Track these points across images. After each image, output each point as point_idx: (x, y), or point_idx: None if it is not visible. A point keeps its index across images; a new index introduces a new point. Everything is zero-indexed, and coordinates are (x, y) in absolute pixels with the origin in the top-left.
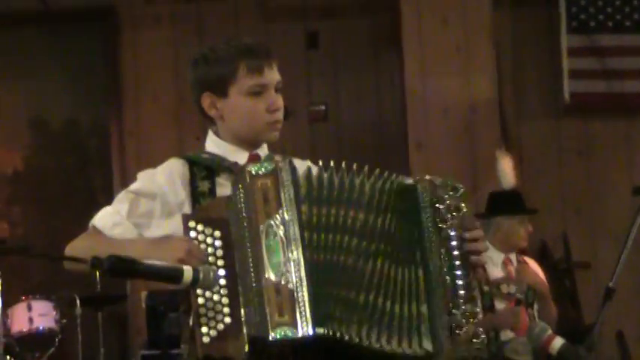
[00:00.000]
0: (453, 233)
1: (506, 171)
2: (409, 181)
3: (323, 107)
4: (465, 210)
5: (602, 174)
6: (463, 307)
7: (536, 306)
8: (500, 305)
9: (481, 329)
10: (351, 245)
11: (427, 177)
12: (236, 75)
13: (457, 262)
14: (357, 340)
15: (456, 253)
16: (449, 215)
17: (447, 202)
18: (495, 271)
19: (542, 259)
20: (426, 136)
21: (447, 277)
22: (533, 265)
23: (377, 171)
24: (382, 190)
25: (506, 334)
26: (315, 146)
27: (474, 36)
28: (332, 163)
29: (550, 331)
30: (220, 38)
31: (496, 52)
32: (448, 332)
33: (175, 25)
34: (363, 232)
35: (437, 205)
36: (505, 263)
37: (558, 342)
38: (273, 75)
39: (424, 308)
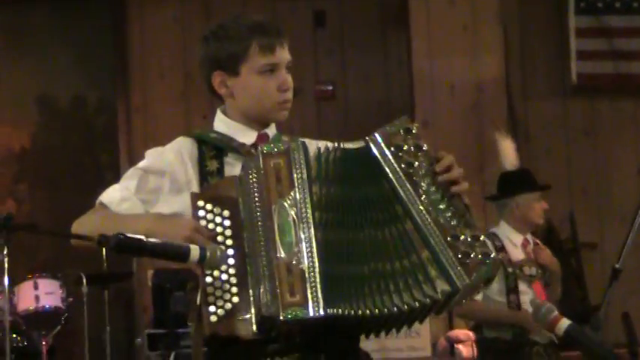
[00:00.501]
0: (422, 172)
1: (508, 152)
2: (360, 144)
3: (330, 87)
4: (425, 146)
5: (609, 154)
6: (463, 236)
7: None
8: (522, 286)
9: (489, 247)
10: (350, 221)
11: (375, 132)
12: (248, 53)
13: (438, 197)
14: (368, 313)
15: (433, 189)
16: (412, 158)
17: (406, 145)
18: (516, 252)
19: (549, 239)
20: (433, 115)
21: (436, 215)
22: (545, 248)
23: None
24: (342, 159)
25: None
26: (322, 125)
27: (481, 15)
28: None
29: (556, 312)
30: (228, 16)
31: (503, 32)
32: (458, 264)
33: (182, 3)
34: (350, 207)
35: (397, 153)
36: (524, 245)
37: (565, 323)
38: (284, 54)
39: (425, 254)
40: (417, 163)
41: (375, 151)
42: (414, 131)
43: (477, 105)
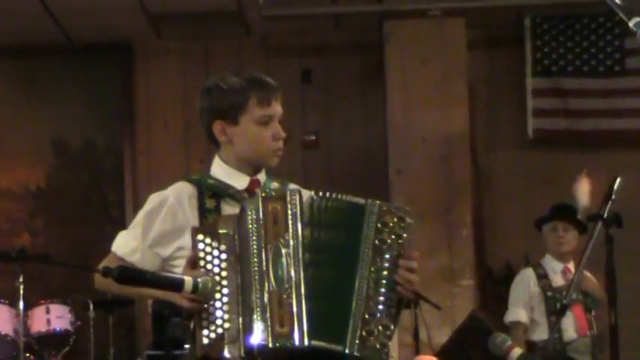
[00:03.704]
0: (387, 255)
1: (582, 192)
2: (361, 201)
3: (313, 137)
4: (404, 238)
5: (564, 200)
6: (378, 317)
7: (593, 312)
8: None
9: (390, 348)
10: (332, 263)
11: (378, 202)
12: (247, 105)
13: (384, 281)
14: (338, 348)
15: (385, 272)
16: (388, 240)
17: (390, 226)
18: (556, 279)
19: (507, 276)
20: (406, 163)
21: (371, 286)
22: (589, 276)
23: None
24: (333, 208)
25: (570, 335)
26: (307, 170)
27: (451, 74)
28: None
29: (510, 342)
30: (228, 71)
31: (470, 89)
32: (357, 335)
33: (184, 58)
34: (337, 249)
35: (379, 226)
36: (564, 272)
37: (517, 352)
38: (278, 107)
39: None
40: (388, 242)
41: (367, 212)
42: (406, 222)
43: (445, 155)
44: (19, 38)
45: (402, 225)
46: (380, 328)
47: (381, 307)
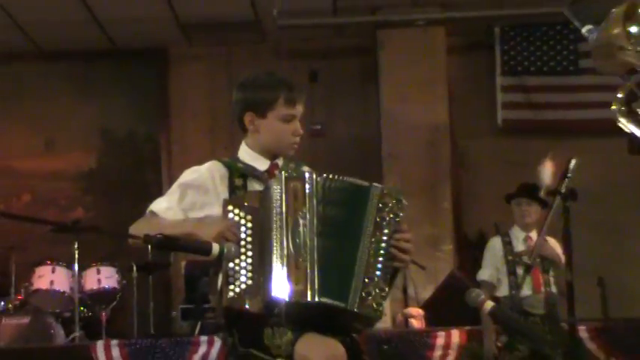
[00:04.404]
0: (385, 230)
1: (543, 173)
2: (365, 184)
3: (319, 127)
4: (400, 217)
5: (529, 179)
6: (376, 281)
7: (552, 274)
8: (519, 271)
9: (384, 306)
10: (345, 232)
11: (380, 185)
12: (275, 103)
13: (382, 251)
14: (340, 305)
15: (383, 244)
16: (387, 217)
17: (389, 206)
18: (519, 245)
19: (480, 243)
20: (396, 148)
21: (371, 253)
22: (553, 242)
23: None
24: (340, 188)
25: (525, 292)
26: (314, 156)
27: (434, 74)
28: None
29: (483, 296)
30: (245, 72)
31: (449, 87)
32: (358, 295)
33: (210, 62)
34: (348, 223)
35: (380, 206)
36: (526, 239)
37: (489, 304)
38: (300, 108)
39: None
40: (387, 220)
41: (371, 193)
42: (402, 203)
43: (429, 141)
44: (74, 45)
45: (399, 206)
46: (377, 290)
47: (378, 272)
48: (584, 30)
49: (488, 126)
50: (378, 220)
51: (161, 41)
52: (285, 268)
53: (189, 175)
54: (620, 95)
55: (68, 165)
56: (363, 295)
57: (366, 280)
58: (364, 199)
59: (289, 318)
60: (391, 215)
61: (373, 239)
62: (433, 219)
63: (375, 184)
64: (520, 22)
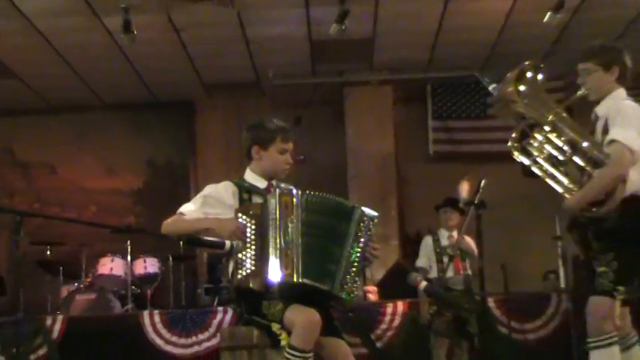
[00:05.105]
0: (362, 240)
1: (462, 189)
2: (350, 204)
3: (302, 157)
4: (373, 230)
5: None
6: (352, 275)
7: (468, 261)
8: (445, 259)
9: (357, 290)
10: (323, 234)
11: (363, 208)
12: (275, 140)
13: (358, 255)
14: (325, 287)
15: (358, 250)
16: (364, 232)
17: (365, 224)
18: (444, 242)
19: (418, 240)
20: (358, 172)
21: (350, 258)
22: (469, 239)
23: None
24: (321, 202)
25: (448, 274)
26: (299, 178)
27: (384, 118)
28: (312, 192)
29: (419, 278)
30: (250, 118)
31: (395, 127)
32: (340, 284)
33: (225, 110)
34: (326, 227)
35: (360, 224)
36: (449, 237)
37: (423, 283)
38: (291, 145)
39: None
40: (364, 233)
41: (355, 213)
42: (374, 222)
43: (380, 166)
44: (128, 98)
45: (373, 223)
46: (353, 281)
47: (354, 269)
48: (490, 87)
49: (423, 155)
50: (358, 233)
51: (190, 96)
52: (278, 258)
53: (208, 189)
54: (513, 135)
55: (123, 185)
56: (343, 283)
57: (347, 274)
58: (350, 216)
59: (281, 294)
60: (367, 230)
61: (354, 245)
62: (384, 222)
63: (357, 205)
64: (445, 81)
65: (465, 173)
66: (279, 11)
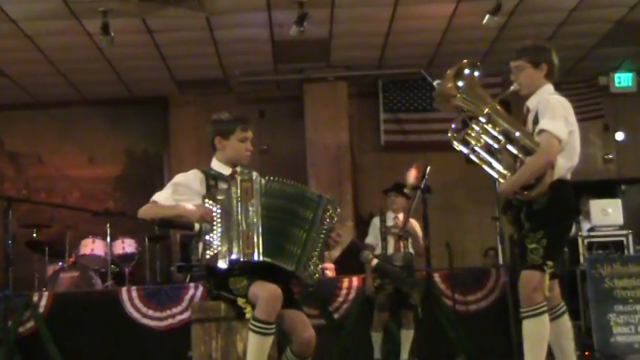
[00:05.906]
0: (325, 226)
1: (410, 175)
2: (315, 193)
3: (265, 147)
4: (336, 219)
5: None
6: (314, 259)
7: (410, 240)
8: (390, 238)
9: (319, 272)
10: (284, 217)
11: (328, 196)
12: (235, 130)
13: (321, 239)
14: (284, 265)
15: (322, 235)
16: (327, 218)
17: (330, 212)
18: (390, 222)
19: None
20: (316, 161)
21: (314, 241)
22: (413, 221)
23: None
24: (281, 188)
25: (390, 251)
26: (262, 166)
27: (339, 112)
28: (272, 177)
29: (370, 255)
30: (221, 112)
31: (350, 120)
32: (303, 265)
33: (196, 106)
34: (287, 211)
35: (324, 211)
36: (394, 219)
37: (374, 261)
38: (251, 133)
39: (300, 250)
40: (327, 220)
41: (321, 202)
42: (337, 210)
43: (336, 155)
44: (107, 95)
45: (336, 212)
46: (315, 264)
47: (316, 252)
48: (434, 83)
49: (375, 145)
50: (322, 220)
51: (164, 92)
52: (240, 239)
53: (179, 177)
54: (453, 126)
55: (103, 173)
56: (305, 264)
57: (310, 258)
58: (315, 204)
59: (244, 270)
60: (331, 217)
61: (319, 230)
62: (340, 205)
63: (323, 195)
64: (395, 78)
65: (412, 161)
66: (244, 15)
